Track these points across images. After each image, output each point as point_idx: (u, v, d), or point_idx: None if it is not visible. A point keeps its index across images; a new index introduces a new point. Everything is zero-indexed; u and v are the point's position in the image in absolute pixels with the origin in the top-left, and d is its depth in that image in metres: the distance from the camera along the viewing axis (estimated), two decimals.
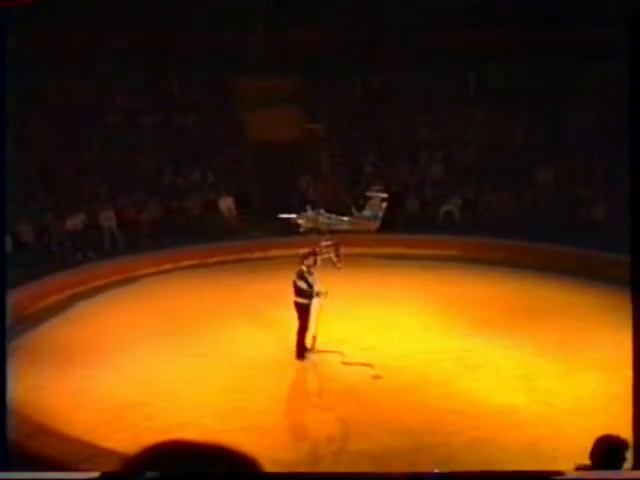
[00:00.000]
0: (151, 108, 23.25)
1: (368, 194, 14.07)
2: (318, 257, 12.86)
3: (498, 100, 23.24)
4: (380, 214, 13.60)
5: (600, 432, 9.55)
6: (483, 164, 22.08)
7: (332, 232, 13.61)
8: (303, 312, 12.62)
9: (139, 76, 23.62)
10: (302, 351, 12.68)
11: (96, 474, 3.12)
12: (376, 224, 13.63)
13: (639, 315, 6.54)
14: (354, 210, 14.10)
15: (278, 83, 23.18)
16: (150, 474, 2.34)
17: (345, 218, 13.91)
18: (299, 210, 14.22)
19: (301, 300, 12.60)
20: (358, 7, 22.52)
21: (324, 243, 13.25)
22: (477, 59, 23.67)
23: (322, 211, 13.96)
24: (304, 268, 12.62)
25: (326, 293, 12.49)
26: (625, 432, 9.53)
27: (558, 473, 4.14)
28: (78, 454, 9.16)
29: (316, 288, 12.54)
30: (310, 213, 13.83)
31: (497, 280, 16.88)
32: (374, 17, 22.49)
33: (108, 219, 19.43)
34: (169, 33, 22.52)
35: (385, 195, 13.90)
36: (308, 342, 12.76)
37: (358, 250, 18.38)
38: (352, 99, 24.45)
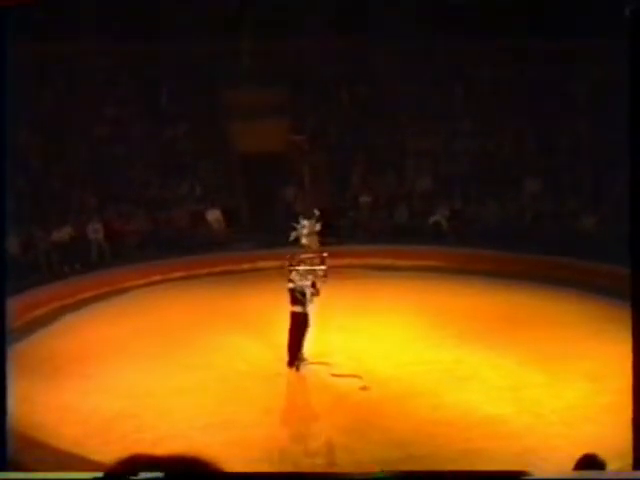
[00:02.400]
0: (138, 120, 23.21)
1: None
2: (303, 266, 12.79)
3: (486, 110, 23.28)
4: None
5: (588, 442, 9.62)
6: (471, 175, 22.11)
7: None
8: (298, 321, 12.63)
9: (127, 87, 23.58)
10: (294, 359, 12.70)
11: (96, 474, 3.13)
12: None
13: (638, 320, 6.57)
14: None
15: (266, 94, 23.16)
16: (150, 474, 2.37)
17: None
18: (287, 222, 14.09)
19: (296, 309, 12.63)
20: (345, 17, 22.57)
21: (308, 255, 13.13)
22: (465, 69, 23.75)
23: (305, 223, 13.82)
24: (296, 276, 12.62)
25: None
26: (613, 442, 9.57)
27: (524, 473, 4.10)
28: (67, 467, 9.13)
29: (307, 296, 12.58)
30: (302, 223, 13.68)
31: (485, 290, 16.89)
32: (361, 27, 22.55)
33: (96, 231, 19.38)
34: (157, 44, 22.52)
35: (317, 212, 13.62)
36: (304, 352, 12.79)
37: (346, 261, 18.39)
38: (340, 110, 24.45)
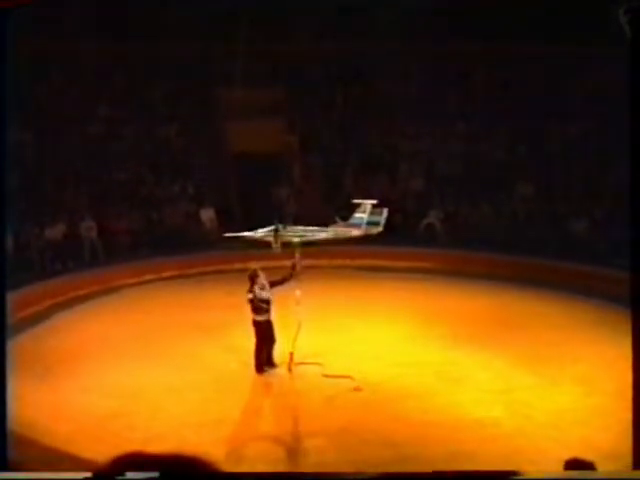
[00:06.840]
0: (132, 118, 23.20)
1: (355, 202, 13.83)
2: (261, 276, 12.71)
3: (480, 113, 23.32)
4: (381, 219, 13.39)
5: (579, 444, 9.66)
6: (464, 177, 22.13)
7: (307, 244, 13.42)
8: (262, 329, 12.55)
9: (121, 86, 23.57)
10: (261, 366, 12.63)
11: (86, 474, 3.14)
12: (378, 229, 13.44)
13: (638, 322, 6.60)
14: (338, 219, 13.85)
15: (260, 94, 23.19)
16: (149, 474, 2.37)
17: (328, 229, 13.70)
18: (273, 223, 13.87)
19: (259, 318, 12.54)
20: (340, 18, 22.59)
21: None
22: (459, 71, 23.78)
23: (291, 225, 13.65)
24: (256, 286, 12.52)
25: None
26: (603, 444, 9.62)
27: (514, 473, 4.09)
28: (58, 465, 9.12)
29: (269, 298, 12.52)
30: (279, 228, 13.47)
31: (477, 293, 16.94)
32: (356, 28, 22.57)
33: (89, 229, 19.37)
34: (152, 43, 22.53)
35: (375, 201, 13.64)
36: (278, 357, 12.74)
37: (339, 262, 18.45)
38: (333, 111, 24.47)
